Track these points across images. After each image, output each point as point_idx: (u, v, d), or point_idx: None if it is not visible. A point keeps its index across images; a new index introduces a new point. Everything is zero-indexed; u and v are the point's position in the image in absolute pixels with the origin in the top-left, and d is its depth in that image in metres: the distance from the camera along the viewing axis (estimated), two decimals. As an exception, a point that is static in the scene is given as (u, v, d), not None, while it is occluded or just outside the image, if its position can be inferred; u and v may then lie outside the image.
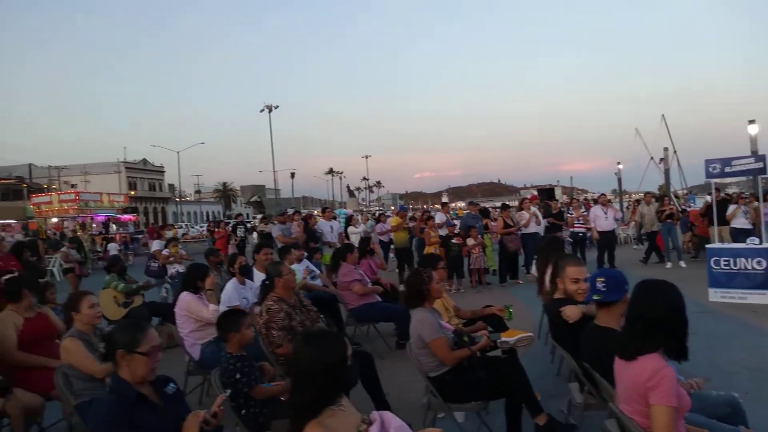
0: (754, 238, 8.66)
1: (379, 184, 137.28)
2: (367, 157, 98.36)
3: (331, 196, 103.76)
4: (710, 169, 8.81)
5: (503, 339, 3.97)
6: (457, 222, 12.60)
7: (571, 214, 12.85)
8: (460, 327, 3.98)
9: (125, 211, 35.21)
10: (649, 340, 2.31)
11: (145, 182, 70.81)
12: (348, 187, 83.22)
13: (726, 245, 8.90)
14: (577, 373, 3.50)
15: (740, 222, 11.14)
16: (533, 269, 7.19)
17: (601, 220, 11.88)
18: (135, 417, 2.35)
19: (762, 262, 7.96)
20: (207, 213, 78.70)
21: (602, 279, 3.00)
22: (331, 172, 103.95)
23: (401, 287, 10.39)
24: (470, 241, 10.52)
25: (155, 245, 10.44)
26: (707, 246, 9.01)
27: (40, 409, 4.09)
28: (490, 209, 15.34)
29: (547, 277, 5.74)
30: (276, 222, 10.30)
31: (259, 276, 6.12)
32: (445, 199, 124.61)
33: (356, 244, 11.70)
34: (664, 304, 2.34)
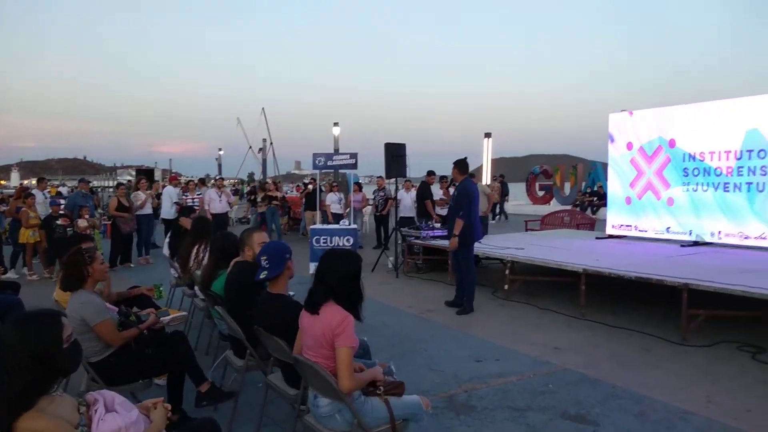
0: (345, 220, 10.58)
1: None
2: None
3: None
4: (317, 162, 10.33)
5: (173, 316, 3.97)
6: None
7: (186, 196, 12.97)
8: (124, 307, 3.77)
9: None
10: (327, 297, 2.80)
11: None
12: None
13: (324, 226, 10.59)
14: (242, 340, 3.80)
15: (335, 207, 13.30)
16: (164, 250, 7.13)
17: (216, 203, 12.43)
18: None
19: (350, 239, 9.86)
20: None
21: (265, 257, 3.32)
22: None
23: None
24: (82, 223, 9.51)
25: None
26: (311, 227, 10.55)
27: None
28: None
29: (194, 255, 5.88)
30: None
31: None
32: (15, 175, 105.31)
33: None
34: (343, 271, 2.83)
